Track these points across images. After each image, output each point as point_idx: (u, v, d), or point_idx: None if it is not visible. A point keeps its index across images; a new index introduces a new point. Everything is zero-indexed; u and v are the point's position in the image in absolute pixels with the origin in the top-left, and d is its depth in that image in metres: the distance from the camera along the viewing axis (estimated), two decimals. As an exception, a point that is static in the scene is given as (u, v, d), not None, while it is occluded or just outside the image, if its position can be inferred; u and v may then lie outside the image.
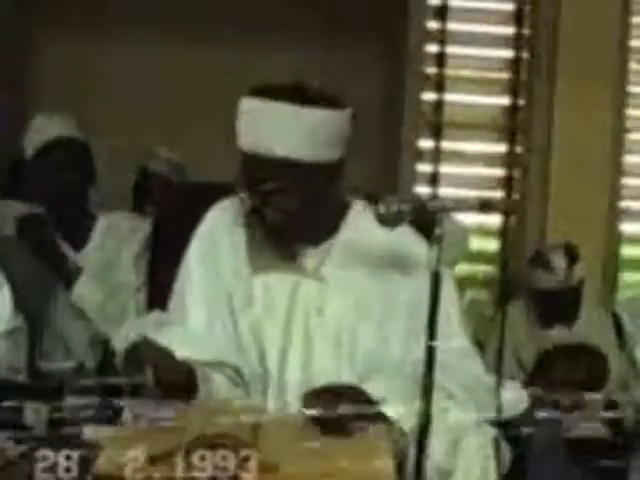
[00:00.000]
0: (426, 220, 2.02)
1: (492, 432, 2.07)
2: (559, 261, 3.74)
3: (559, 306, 3.79)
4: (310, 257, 2.24)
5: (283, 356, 2.20)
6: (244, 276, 2.23)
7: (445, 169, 4.79)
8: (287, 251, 2.22)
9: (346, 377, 2.18)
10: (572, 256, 3.75)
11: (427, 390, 1.93)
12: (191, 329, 2.22)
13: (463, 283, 4.22)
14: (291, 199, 2.12)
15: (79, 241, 3.34)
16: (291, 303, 2.21)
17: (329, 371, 2.19)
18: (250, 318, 2.22)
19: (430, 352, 1.94)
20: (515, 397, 2.28)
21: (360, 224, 2.19)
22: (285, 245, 2.21)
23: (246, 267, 2.23)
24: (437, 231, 1.98)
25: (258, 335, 2.21)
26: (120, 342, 2.30)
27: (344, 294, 2.22)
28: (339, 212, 2.27)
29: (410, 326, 2.19)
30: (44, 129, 3.32)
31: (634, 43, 4.73)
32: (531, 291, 3.85)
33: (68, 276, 3.21)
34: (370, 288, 2.22)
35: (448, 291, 2.09)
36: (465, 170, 4.82)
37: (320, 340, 2.20)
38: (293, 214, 2.14)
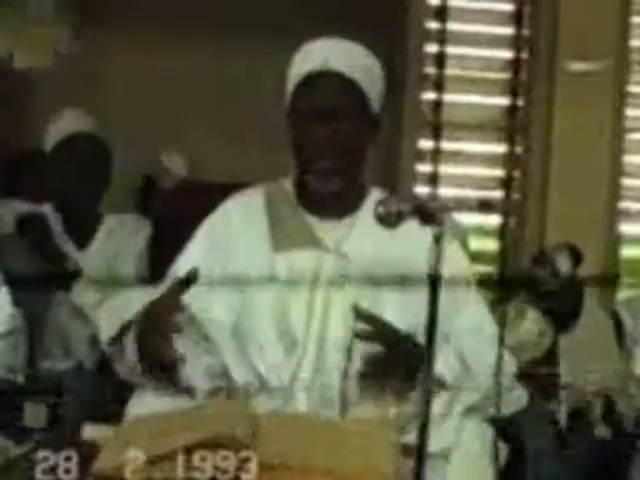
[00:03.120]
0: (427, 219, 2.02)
1: (488, 427, 2.09)
2: (564, 261, 3.74)
3: (563, 306, 3.78)
4: (331, 232, 2.33)
5: (308, 328, 2.27)
6: (264, 254, 2.30)
7: (445, 169, 4.79)
8: (320, 204, 2.33)
9: (359, 350, 2.23)
10: (576, 257, 3.74)
11: (427, 390, 1.93)
12: None
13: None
14: (339, 140, 2.27)
15: (84, 240, 3.35)
16: (314, 278, 2.29)
17: (342, 342, 2.25)
18: (273, 293, 2.28)
19: (430, 353, 1.94)
20: (515, 395, 2.30)
21: None
22: (324, 196, 2.31)
23: (267, 245, 2.31)
24: (437, 231, 1.98)
25: (281, 309, 2.28)
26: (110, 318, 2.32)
27: (363, 269, 2.28)
28: (361, 191, 2.38)
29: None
30: (73, 120, 3.33)
31: (634, 43, 4.74)
32: (534, 291, 3.84)
33: (68, 276, 3.21)
34: (388, 265, 2.29)
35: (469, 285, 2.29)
36: (465, 170, 4.82)
37: (337, 312, 2.26)
38: (339, 159, 2.27)
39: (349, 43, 2.34)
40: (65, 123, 3.33)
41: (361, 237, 2.32)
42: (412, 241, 2.25)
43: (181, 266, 2.31)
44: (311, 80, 2.30)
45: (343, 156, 2.29)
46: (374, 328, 2.16)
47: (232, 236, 2.33)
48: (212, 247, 2.33)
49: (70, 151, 3.29)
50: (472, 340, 2.25)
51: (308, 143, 2.29)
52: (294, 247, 2.31)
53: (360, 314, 2.16)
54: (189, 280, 2.10)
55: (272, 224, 2.33)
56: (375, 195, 2.33)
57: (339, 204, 2.35)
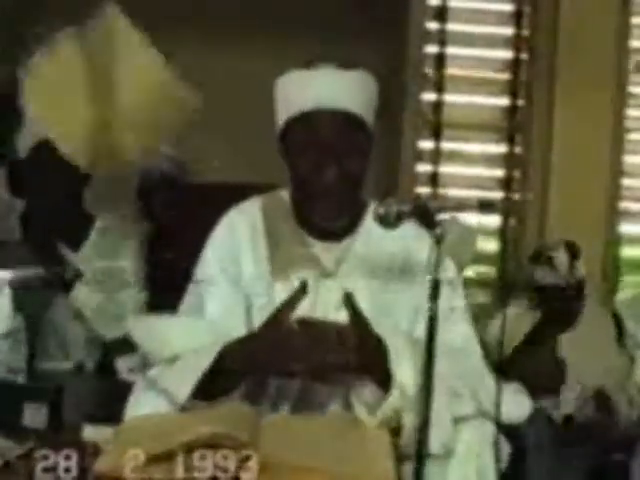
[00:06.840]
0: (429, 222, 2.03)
1: (490, 427, 2.09)
2: (562, 258, 3.75)
3: (563, 303, 3.79)
4: (330, 254, 2.30)
5: None
6: (265, 279, 2.28)
7: (445, 169, 4.79)
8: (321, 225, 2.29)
9: None
10: (573, 253, 3.76)
11: (427, 391, 1.93)
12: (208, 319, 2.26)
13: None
14: (340, 162, 2.22)
15: (75, 242, 3.34)
16: (313, 301, 2.25)
17: None
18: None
19: (430, 357, 1.94)
20: (517, 403, 2.29)
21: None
22: (326, 218, 2.28)
23: (266, 269, 2.28)
24: (437, 232, 1.98)
25: None
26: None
27: (361, 293, 2.23)
28: (359, 210, 2.34)
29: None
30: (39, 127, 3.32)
31: (634, 43, 4.74)
32: (534, 289, 3.85)
33: (67, 277, 3.21)
34: (386, 288, 2.28)
35: (455, 285, 2.24)
36: (465, 170, 4.82)
37: None
38: (339, 181, 2.23)
39: (343, 72, 2.28)
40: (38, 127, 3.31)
41: (359, 258, 2.30)
42: (410, 255, 2.26)
43: (202, 286, 2.30)
44: (311, 117, 2.24)
45: (349, 193, 2.27)
46: (355, 322, 2.11)
47: (237, 253, 2.30)
48: (225, 263, 2.30)
49: (44, 154, 3.27)
50: (458, 361, 2.19)
51: (313, 182, 2.24)
52: (293, 271, 2.27)
53: (349, 303, 2.11)
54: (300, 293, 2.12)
55: (271, 245, 2.30)
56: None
57: (340, 228, 2.32)
